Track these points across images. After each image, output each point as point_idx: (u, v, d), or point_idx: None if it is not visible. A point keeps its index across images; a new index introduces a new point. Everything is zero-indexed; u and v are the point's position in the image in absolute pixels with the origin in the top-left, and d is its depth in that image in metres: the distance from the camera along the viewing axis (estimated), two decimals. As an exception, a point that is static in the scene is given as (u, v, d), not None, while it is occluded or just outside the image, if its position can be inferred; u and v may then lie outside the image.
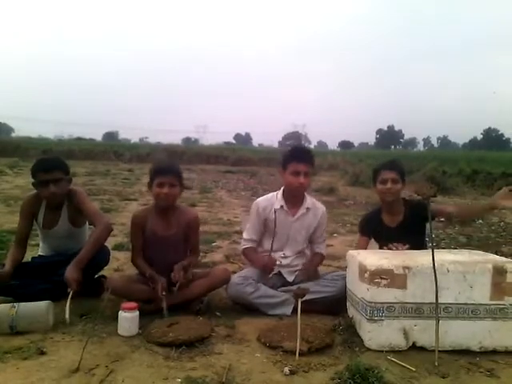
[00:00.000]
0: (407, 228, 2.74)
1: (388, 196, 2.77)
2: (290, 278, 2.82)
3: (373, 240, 2.94)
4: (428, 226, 2.46)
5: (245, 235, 2.92)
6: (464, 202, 9.44)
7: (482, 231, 5.85)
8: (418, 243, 2.67)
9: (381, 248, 2.77)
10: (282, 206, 2.81)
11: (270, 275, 2.78)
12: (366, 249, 2.83)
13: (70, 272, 2.41)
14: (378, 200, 2.96)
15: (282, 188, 2.89)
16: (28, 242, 2.84)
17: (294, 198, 2.84)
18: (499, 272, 2.13)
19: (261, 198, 2.94)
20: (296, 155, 2.77)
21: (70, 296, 2.36)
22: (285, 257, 2.84)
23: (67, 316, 2.29)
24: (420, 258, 2.20)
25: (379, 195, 2.84)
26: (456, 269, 2.13)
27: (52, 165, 2.70)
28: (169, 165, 2.70)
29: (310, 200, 2.89)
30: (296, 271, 2.85)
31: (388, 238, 2.71)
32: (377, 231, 2.88)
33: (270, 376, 1.86)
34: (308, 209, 2.84)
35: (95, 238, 2.63)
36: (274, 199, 2.86)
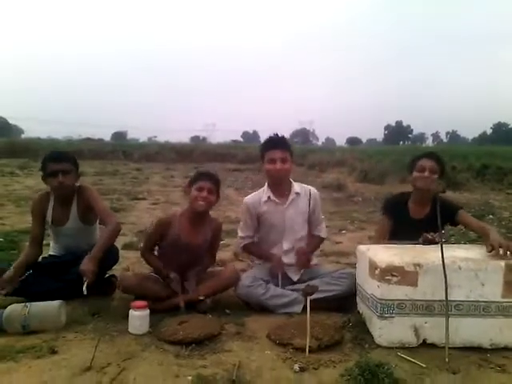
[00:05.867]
0: (433, 222, 2.68)
1: (424, 184, 2.68)
2: (295, 278, 2.82)
3: None
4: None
5: (240, 233, 2.95)
6: (474, 197, 9.34)
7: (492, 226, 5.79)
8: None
9: (401, 239, 2.66)
10: (269, 197, 2.83)
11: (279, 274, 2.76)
12: (387, 231, 2.79)
13: (86, 264, 2.44)
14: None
15: (266, 182, 2.92)
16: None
17: (279, 187, 2.84)
18: (511, 270, 2.11)
19: (248, 196, 2.96)
20: (269, 144, 2.82)
21: (85, 283, 2.38)
22: (286, 252, 2.81)
23: (84, 289, 2.35)
24: (431, 255, 2.18)
25: (414, 183, 2.76)
26: (468, 266, 2.11)
27: (62, 155, 2.80)
28: (211, 172, 2.80)
29: (297, 185, 2.89)
30: (300, 269, 2.83)
31: (412, 230, 2.63)
32: (401, 220, 2.78)
33: (279, 373, 1.86)
34: (298, 193, 2.85)
35: (107, 236, 2.67)
36: (261, 193, 2.88)
